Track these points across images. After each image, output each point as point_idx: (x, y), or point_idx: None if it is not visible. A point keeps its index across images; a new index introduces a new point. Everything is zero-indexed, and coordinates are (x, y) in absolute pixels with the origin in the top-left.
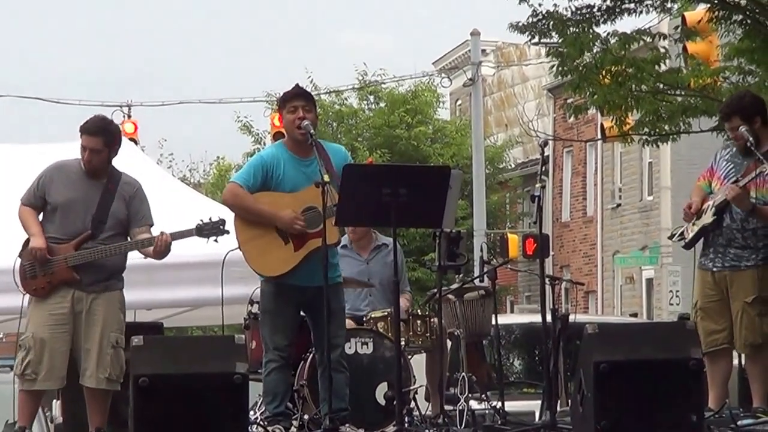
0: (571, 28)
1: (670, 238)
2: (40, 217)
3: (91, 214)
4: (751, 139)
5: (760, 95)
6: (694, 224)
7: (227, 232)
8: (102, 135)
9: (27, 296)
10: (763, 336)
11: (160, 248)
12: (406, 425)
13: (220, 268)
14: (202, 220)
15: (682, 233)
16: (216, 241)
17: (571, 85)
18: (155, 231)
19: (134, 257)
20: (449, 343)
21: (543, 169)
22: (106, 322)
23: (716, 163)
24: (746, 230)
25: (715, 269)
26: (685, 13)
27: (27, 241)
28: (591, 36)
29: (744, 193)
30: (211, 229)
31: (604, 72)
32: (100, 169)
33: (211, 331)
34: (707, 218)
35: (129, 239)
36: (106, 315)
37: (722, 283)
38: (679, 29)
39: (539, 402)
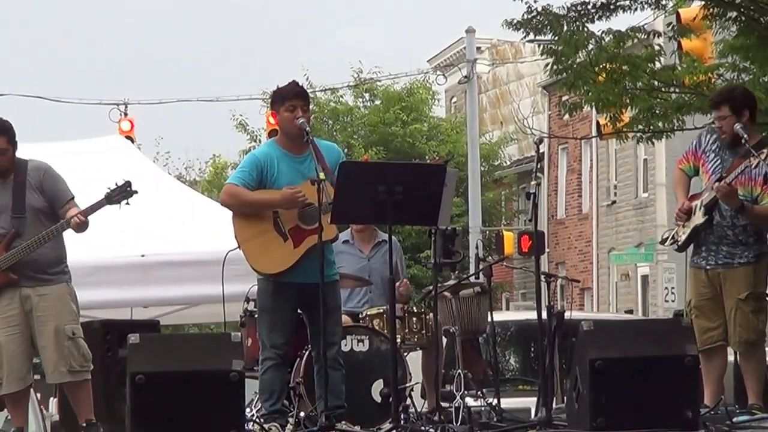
0: (565, 26)
1: (662, 242)
2: None
3: (8, 214)
4: (746, 136)
5: (753, 92)
6: (685, 226)
7: (136, 192)
8: (5, 134)
9: None
10: (757, 333)
11: (77, 229)
12: (402, 422)
13: (216, 265)
14: (108, 188)
15: (673, 236)
16: (128, 203)
17: (566, 84)
18: (152, 228)
19: (130, 256)
20: (445, 340)
21: (538, 166)
22: (59, 317)
23: (701, 149)
24: (737, 227)
25: (708, 267)
26: (680, 10)
27: None
28: (586, 34)
29: (733, 190)
30: (119, 194)
31: (598, 70)
32: (8, 168)
33: (207, 329)
34: (698, 219)
35: (61, 221)
36: (57, 309)
37: (715, 281)
38: (673, 26)
39: (535, 399)
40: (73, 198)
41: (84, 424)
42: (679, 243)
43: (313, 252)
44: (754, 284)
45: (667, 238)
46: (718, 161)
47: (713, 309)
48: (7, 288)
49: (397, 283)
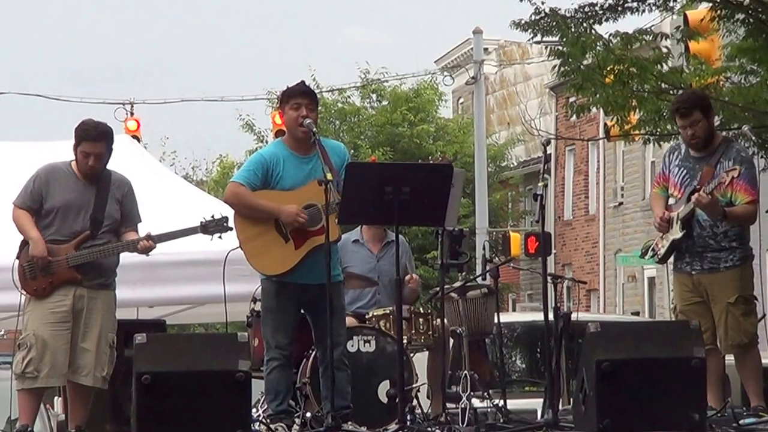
0: (573, 27)
1: (642, 256)
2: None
3: (89, 215)
4: (753, 138)
5: (762, 95)
6: (663, 238)
7: (231, 228)
8: (105, 139)
9: (24, 296)
10: (748, 335)
11: (143, 252)
12: (408, 423)
13: (223, 265)
14: (204, 218)
15: (652, 248)
16: (220, 237)
17: (574, 86)
18: (158, 227)
19: (136, 256)
20: (451, 341)
21: (545, 167)
22: (105, 323)
23: (667, 168)
24: (717, 234)
25: (693, 272)
26: (688, 12)
27: (24, 243)
28: (593, 36)
29: (714, 200)
30: (216, 227)
31: (606, 72)
32: (101, 172)
33: (213, 329)
34: (675, 233)
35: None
36: (104, 315)
37: (701, 286)
38: (680, 29)
39: (541, 400)
40: (139, 222)
41: (73, 430)
42: (659, 255)
43: (316, 253)
44: (742, 287)
45: (647, 251)
46: (684, 171)
47: (700, 313)
48: (64, 284)
49: (407, 277)
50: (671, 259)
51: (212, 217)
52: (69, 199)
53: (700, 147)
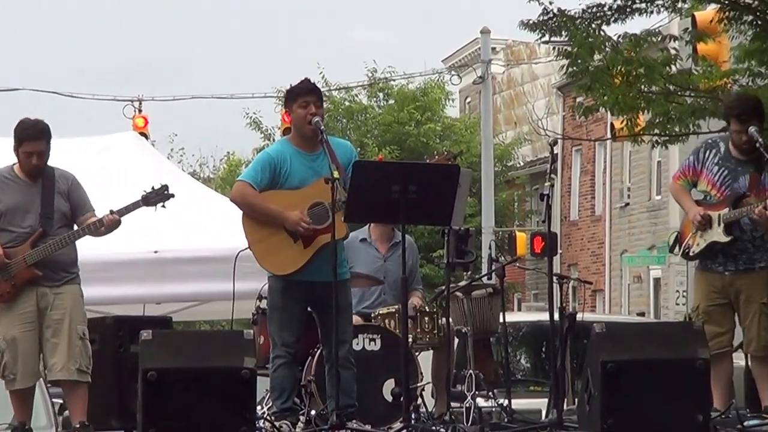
0: (581, 28)
1: (671, 250)
2: None
3: (37, 213)
4: (760, 140)
5: None
6: (700, 236)
7: (172, 195)
8: (44, 137)
9: None
10: None
11: (110, 228)
12: (412, 422)
13: (228, 263)
14: (145, 190)
15: (686, 245)
16: (164, 206)
17: (583, 87)
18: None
19: (143, 252)
20: (456, 341)
21: (552, 167)
22: (73, 316)
23: (701, 164)
24: (756, 239)
25: (727, 272)
26: (696, 14)
27: None
28: (601, 37)
29: None
30: (157, 197)
31: (615, 73)
32: (43, 170)
33: (218, 326)
34: (719, 236)
35: (92, 222)
36: (71, 308)
37: (731, 287)
38: (688, 30)
39: (546, 400)
40: (93, 210)
41: (77, 426)
42: (692, 253)
43: (323, 251)
44: None
45: (675, 245)
46: (725, 171)
47: (723, 314)
48: (26, 285)
49: (410, 299)
50: (678, 260)
51: (152, 188)
52: (16, 201)
53: (747, 152)
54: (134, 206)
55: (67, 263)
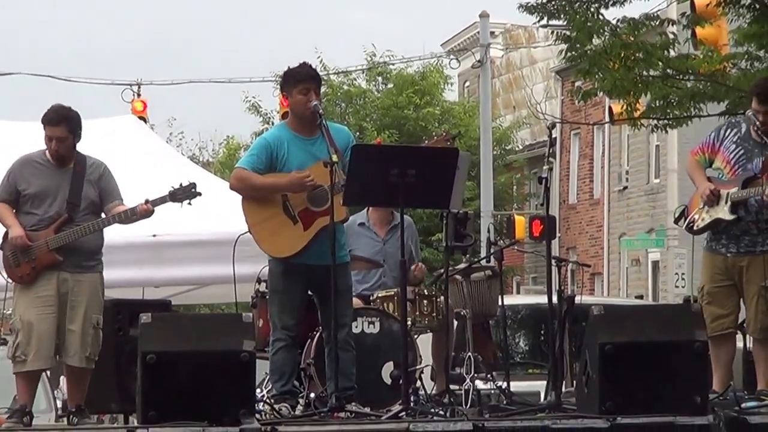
0: (579, 11)
1: (676, 222)
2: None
3: (64, 199)
4: (758, 123)
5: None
6: (706, 211)
7: (199, 194)
8: (64, 123)
9: (12, 284)
10: None
11: (142, 216)
12: (411, 404)
13: (227, 246)
14: (173, 186)
15: (691, 218)
16: (190, 204)
17: (581, 71)
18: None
19: (142, 236)
20: (455, 323)
21: (550, 151)
22: (89, 304)
23: (720, 142)
24: (760, 221)
25: (729, 254)
26: None
27: (6, 234)
28: (600, 21)
29: None
30: (184, 194)
31: (613, 57)
32: (66, 156)
33: (218, 309)
34: (724, 213)
35: (124, 211)
36: (89, 297)
37: (734, 269)
38: (687, 14)
39: (544, 383)
40: (122, 199)
41: (73, 409)
42: (696, 228)
43: (323, 233)
44: None
45: (680, 217)
46: (741, 151)
47: (727, 295)
48: (47, 269)
49: (413, 266)
50: (676, 243)
51: (180, 185)
52: (43, 185)
53: (766, 133)
54: (161, 201)
55: (91, 251)
